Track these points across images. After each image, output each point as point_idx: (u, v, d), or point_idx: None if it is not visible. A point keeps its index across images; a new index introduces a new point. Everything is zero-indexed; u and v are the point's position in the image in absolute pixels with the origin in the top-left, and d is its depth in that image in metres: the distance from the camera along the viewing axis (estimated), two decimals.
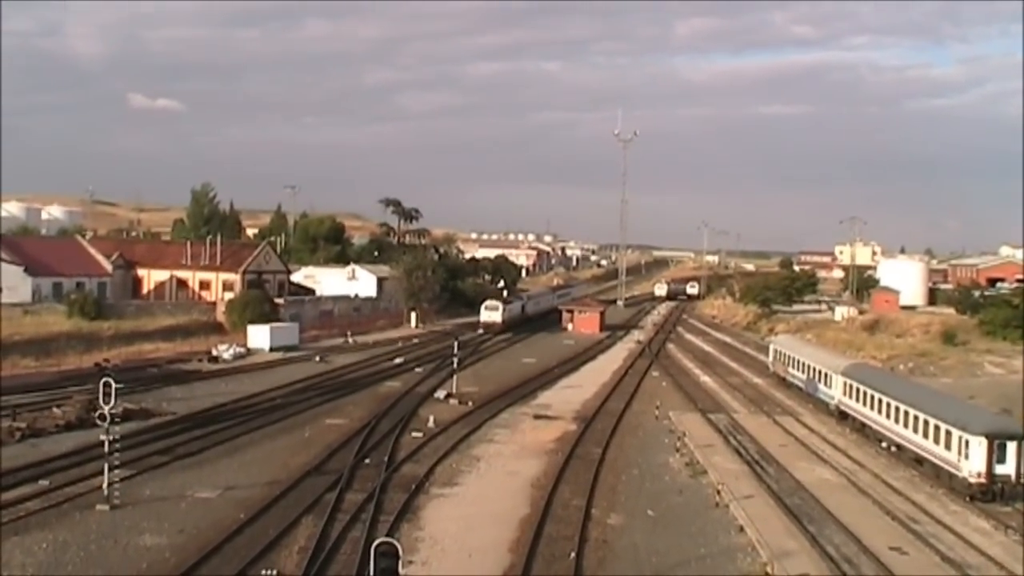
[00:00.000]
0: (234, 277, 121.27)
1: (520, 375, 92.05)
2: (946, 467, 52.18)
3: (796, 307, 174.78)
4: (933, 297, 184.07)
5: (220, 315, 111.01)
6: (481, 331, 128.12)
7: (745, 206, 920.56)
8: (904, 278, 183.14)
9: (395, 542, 20.76)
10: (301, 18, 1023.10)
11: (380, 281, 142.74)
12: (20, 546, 37.39)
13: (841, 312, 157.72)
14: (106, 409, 43.73)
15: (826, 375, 74.91)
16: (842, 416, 70.93)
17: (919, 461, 56.26)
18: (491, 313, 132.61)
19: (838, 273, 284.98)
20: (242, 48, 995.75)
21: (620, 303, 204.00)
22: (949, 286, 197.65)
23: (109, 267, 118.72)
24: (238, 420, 64.06)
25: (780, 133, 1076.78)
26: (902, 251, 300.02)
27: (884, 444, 61.88)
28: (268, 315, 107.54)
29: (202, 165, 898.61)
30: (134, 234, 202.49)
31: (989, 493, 49.95)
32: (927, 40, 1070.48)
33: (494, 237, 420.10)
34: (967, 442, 49.97)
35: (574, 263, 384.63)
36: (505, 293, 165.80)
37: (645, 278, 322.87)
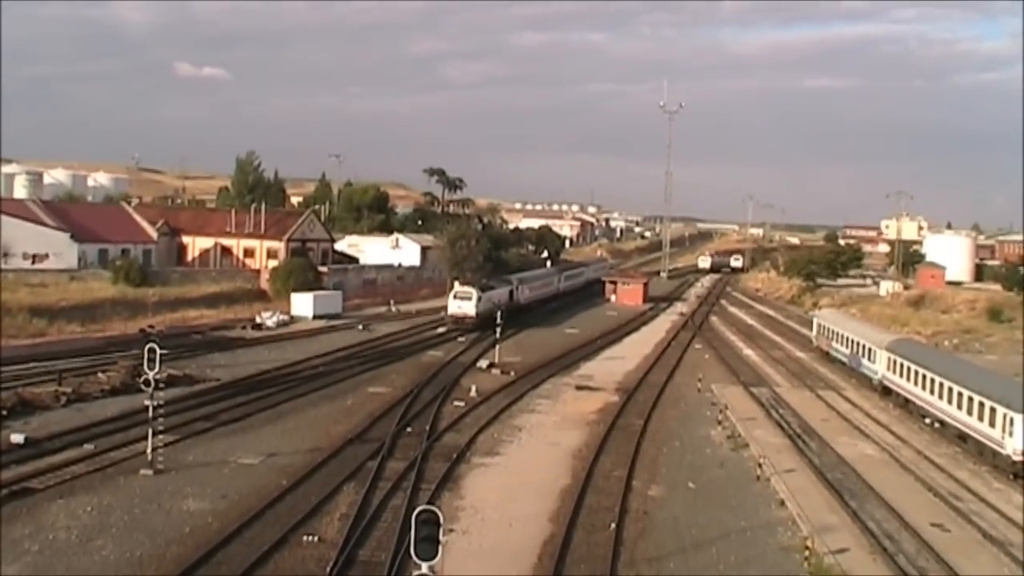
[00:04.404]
0: (278, 245, 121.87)
1: (563, 346, 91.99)
2: (990, 444, 51.67)
3: (840, 281, 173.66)
4: (980, 273, 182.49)
5: (264, 283, 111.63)
6: (448, 327, 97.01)
7: (790, 179, 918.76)
8: (950, 253, 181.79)
9: (436, 510, 20.82)
10: None
11: (424, 250, 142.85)
12: (65, 509, 37.80)
13: (886, 287, 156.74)
14: (150, 375, 44.03)
15: (870, 350, 74.40)
16: (885, 391, 70.49)
17: (963, 438, 55.80)
18: (461, 303, 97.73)
19: (884, 248, 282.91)
20: (288, 17, 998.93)
21: (664, 275, 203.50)
22: (996, 262, 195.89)
23: (154, 234, 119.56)
24: (281, 387, 64.43)
25: (827, 106, 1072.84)
26: (949, 226, 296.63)
27: (927, 420, 61.43)
28: (312, 283, 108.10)
29: (247, 133, 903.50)
30: (179, 201, 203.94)
31: None
32: (978, 13, 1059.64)
33: (538, 207, 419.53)
34: (1012, 419, 49.31)
35: (618, 234, 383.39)
36: (549, 264, 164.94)
37: (689, 250, 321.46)
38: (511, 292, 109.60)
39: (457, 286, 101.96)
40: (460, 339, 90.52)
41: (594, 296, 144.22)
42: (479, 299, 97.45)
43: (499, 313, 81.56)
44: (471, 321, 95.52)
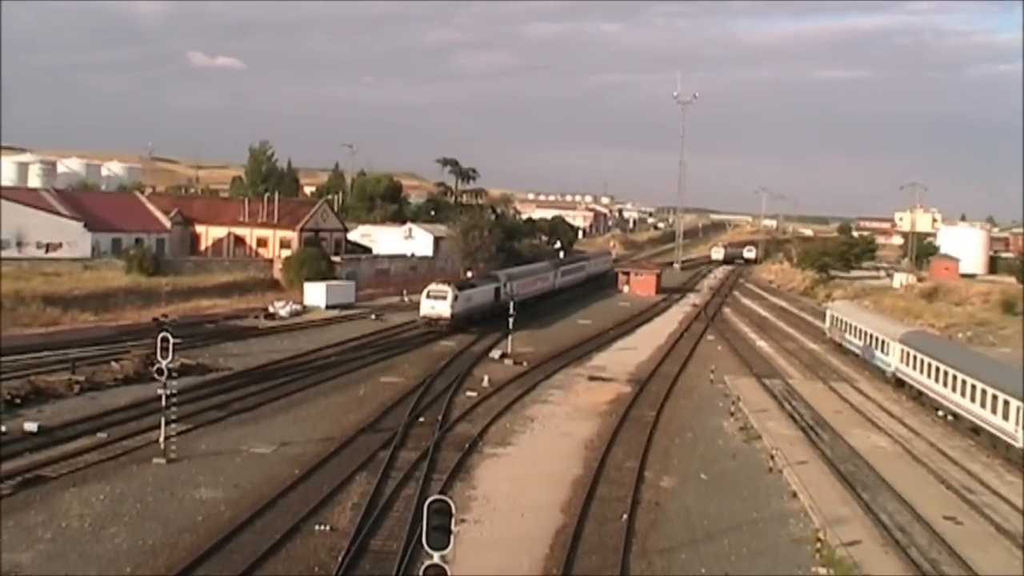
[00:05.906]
0: (291, 234, 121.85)
1: (575, 336, 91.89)
2: (1003, 437, 51.53)
3: (854, 273, 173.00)
4: (994, 265, 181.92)
5: (277, 272, 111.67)
6: (423, 326, 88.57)
7: (804, 171, 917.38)
8: (964, 246, 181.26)
9: (448, 500, 20.80)
10: None
11: (436, 240, 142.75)
12: (78, 497, 37.92)
13: (900, 279, 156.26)
14: (163, 364, 44.13)
15: (883, 342, 74.23)
16: (899, 384, 70.33)
17: (975, 430, 55.66)
18: (435, 303, 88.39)
19: (897, 240, 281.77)
20: (302, 7, 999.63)
21: (676, 266, 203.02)
22: (1010, 255, 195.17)
23: (168, 223, 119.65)
24: (294, 377, 64.51)
25: (841, 98, 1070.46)
26: (963, 218, 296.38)
27: (940, 412, 61.29)
28: (325, 273, 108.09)
29: (261, 123, 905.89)
30: (192, 191, 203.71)
31: None
32: (993, 4, 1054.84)
33: (551, 198, 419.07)
34: None
35: (631, 225, 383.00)
36: (561, 254, 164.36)
37: (702, 241, 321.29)
38: (497, 290, 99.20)
39: (432, 285, 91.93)
40: (472, 329, 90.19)
41: (601, 290, 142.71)
42: (455, 299, 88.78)
43: (511, 304, 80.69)
44: (445, 323, 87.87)
